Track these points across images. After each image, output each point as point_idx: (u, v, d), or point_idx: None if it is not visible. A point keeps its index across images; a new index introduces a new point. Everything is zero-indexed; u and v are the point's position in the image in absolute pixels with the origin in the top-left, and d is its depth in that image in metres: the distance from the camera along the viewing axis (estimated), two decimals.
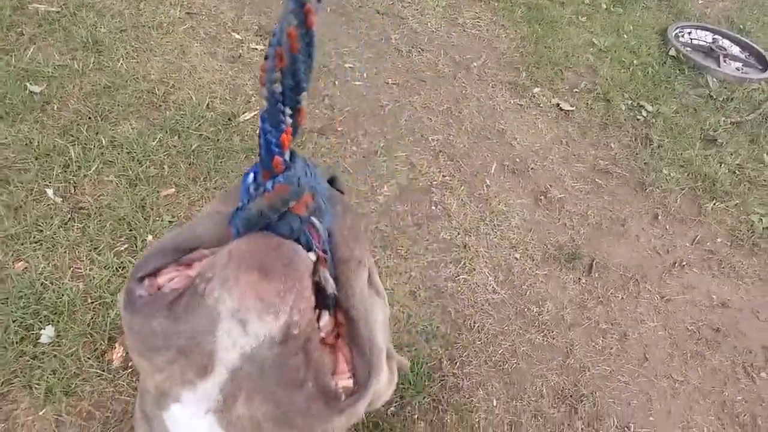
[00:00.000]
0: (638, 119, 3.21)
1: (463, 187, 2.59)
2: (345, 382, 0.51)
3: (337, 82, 2.92)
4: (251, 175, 0.46)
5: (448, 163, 2.69)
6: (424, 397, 1.90)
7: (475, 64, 3.31)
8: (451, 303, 2.19)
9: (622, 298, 2.36)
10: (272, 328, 0.44)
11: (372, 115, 2.81)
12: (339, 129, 2.68)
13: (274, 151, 0.43)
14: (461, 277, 2.28)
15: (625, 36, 3.83)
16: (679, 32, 3.99)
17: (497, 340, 2.13)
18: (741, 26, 4.23)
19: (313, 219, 0.46)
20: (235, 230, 0.45)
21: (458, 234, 2.41)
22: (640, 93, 3.37)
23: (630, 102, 3.31)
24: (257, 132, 0.41)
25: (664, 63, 3.65)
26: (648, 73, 3.54)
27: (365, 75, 3.03)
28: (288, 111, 0.41)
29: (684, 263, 2.54)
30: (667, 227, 2.68)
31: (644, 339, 2.25)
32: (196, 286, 0.45)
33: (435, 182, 2.58)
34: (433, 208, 2.48)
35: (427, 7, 3.63)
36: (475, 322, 2.15)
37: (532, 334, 2.17)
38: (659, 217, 2.71)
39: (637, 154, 3.00)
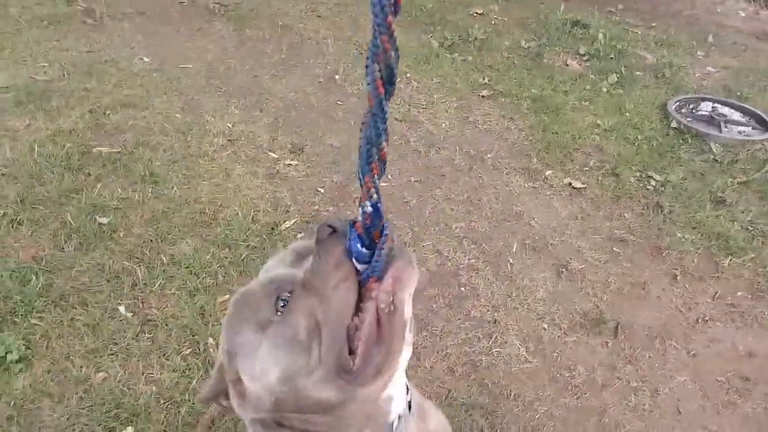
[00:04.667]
0: (648, 189, 3.43)
1: (488, 268, 2.82)
2: None
3: None
4: (358, 245, 0.73)
5: (472, 247, 2.93)
6: None
7: (489, 155, 3.61)
8: (487, 375, 2.36)
9: (650, 356, 2.50)
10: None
11: (398, 210, 3.11)
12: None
13: (381, 216, 0.72)
14: (494, 350, 2.45)
15: (628, 114, 4.12)
16: (679, 105, 4.27)
17: (534, 406, 2.27)
18: (739, 93, 4.48)
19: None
20: (380, 274, 0.73)
21: (488, 310, 2.61)
22: (647, 165, 3.61)
23: (639, 174, 3.54)
24: (363, 212, 0.71)
25: (667, 134, 3.90)
26: (653, 145, 3.79)
27: (389, 176, 3.35)
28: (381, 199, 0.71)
29: (707, 318, 2.67)
30: (687, 286, 2.83)
31: (676, 393, 2.36)
32: (386, 313, 0.72)
33: (461, 265, 2.81)
34: (462, 289, 2.70)
35: (439, 110, 4.00)
36: (511, 391, 2.31)
37: (567, 398, 2.31)
38: (678, 278, 2.87)
39: (650, 221, 3.20)
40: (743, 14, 6.31)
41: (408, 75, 4.36)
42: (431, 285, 2.69)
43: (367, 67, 0.63)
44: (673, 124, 4.00)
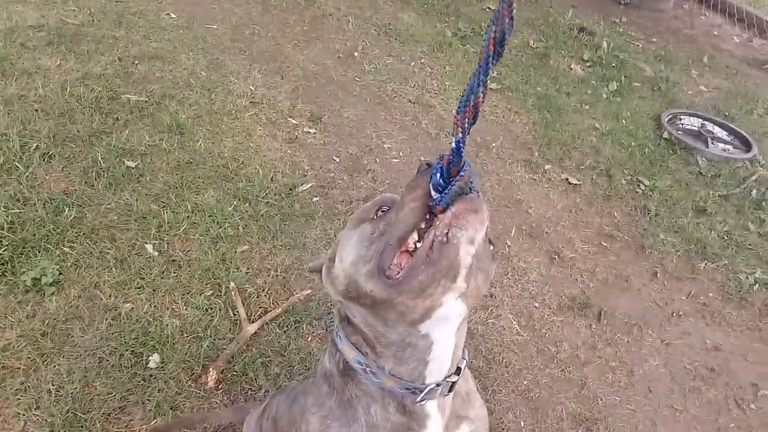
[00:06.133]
0: (637, 192, 3.68)
1: None
2: (488, 245, 0.91)
3: (377, 159, 3.43)
4: (437, 176, 0.82)
5: None
6: None
7: (494, 144, 3.83)
8: (482, 342, 2.59)
9: (628, 341, 2.75)
10: (482, 234, 0.81)
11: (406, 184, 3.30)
12: None
13: (461, 156, 0.79)
14: (490, 321, 2.68)
15: (624, 121, 4.37)
16: (671, 118, 4.53)
17: (522, 373, 2.51)
18: (726, 113, 4.78)
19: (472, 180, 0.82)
20: (445, 205, 0.83)
21: None
22: (638, 170, 3.86)
23: (629, 177, 3.80)
24: (450, 148, 0.78)
25: (659, 144, 4.17)
26: (645, 152, 4.05)
27: (401, 153, 3.54)
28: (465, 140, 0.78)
29: (681, 313, 2.94)
30: (665, 283, 3.09)
31: (648, 375, 2.62)
32: (439, 241, 0.80)
33: None
34: None
35: (451, 97, 4.20)
36: (503, 358, 2.54)
37: (552, 369, 2.55)
38: (658, 275, 3.13)
39: (637, 221, 3.45)
40: (737, 40, 6.62)
41: (422, 61, 4.55)
42: None
43: (487, 27, 0.74)
44: (665, 135, 4.26)
